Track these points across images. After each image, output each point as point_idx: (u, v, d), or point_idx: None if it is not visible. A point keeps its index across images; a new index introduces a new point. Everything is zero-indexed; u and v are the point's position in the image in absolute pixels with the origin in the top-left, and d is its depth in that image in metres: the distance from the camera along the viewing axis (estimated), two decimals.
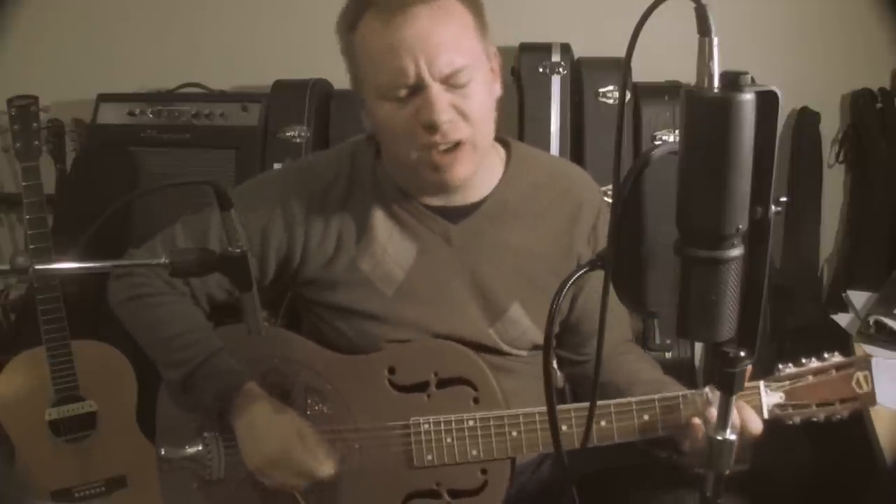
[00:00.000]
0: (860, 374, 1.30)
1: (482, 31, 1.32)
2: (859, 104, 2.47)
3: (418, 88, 1.25)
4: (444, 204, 1.41)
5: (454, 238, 1.41)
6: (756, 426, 1.25)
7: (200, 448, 1.41)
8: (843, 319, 2.04)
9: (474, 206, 1.41)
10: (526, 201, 1.43)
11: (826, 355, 1.32)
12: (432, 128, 1.26)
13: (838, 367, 1.31)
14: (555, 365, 1.60)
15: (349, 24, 1.30)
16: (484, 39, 1.32)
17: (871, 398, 1.31)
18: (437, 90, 1.25)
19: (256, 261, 1.42)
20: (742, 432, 1.24)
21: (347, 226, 1.41)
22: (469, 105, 1.27)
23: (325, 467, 1.35)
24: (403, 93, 1.26)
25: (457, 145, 1.29)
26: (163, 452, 1.41)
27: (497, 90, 1.37)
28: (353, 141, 1.48)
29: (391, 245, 1.41)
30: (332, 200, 1.42)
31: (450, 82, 1.25)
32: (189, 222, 1.46)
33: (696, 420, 1.25)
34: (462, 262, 1.41)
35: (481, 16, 1.32)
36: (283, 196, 1.42)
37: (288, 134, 2.38)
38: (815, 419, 1.30)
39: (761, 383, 1.30)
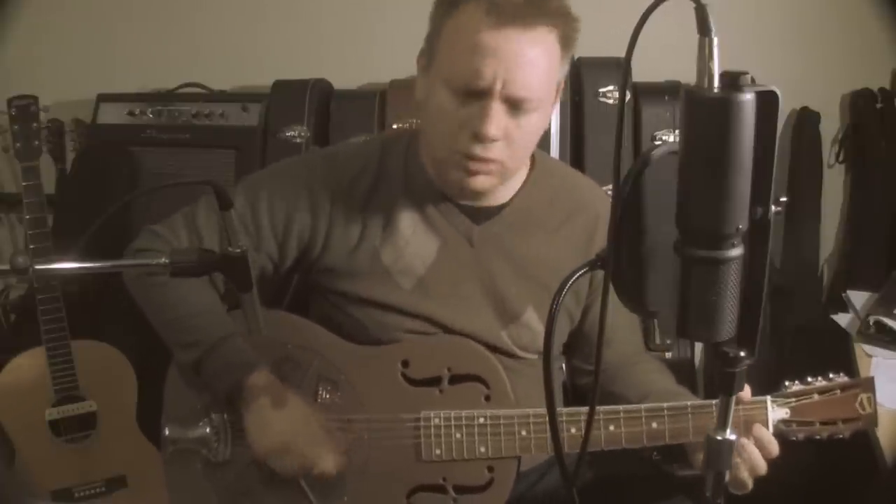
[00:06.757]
0: (864, 396, 1.33)
1: (564, 64, 1.30)
2: (859, 104, 2.47)
3: (483, 96, 1.25)
4: (471, 203, 1.41)
5: (476, 239, 1.41)
6: (774, 449, 1.29)
7: (207, 430, 1.40)
8: (843, 319, 2.04)
9: (497, 210, 1.42)
10: (544, 211, 1.44)
11: (832, 375, 1.35)
12: (478, 138, 1.26)
13: (843, 387, 1.33)
14: (562, 366, 1.60)
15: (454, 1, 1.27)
16: (561, 72, 1.31)
17: (873, 420, 1.34)
18: (497, 106, 1.24)
19: (277, 245, 1.42)
20: (761, 456, 1.27)
21: (372, 217, 1.41)
22: (518, 134, 1.28)
23: (331, 459, 1.35)
24: (467, 93, 1.25)
25: (489, 161, 1.29)
26: (167, 432, 1.40)
27: (548, 121, 1.35)
28: (383, 134, 1.48)
29: (414, 238, 1.41)
30: (359, 191, 1.42)
31: (514, 105, 1.25)
32: (212, 203, 1.44)
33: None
34: (481, 262, 1.41)
35: (569, 49, 1.30)
36: (309, 182, 1.42)
37: (288, 134, 2.38)
38: (817, 437, 1.33)
39: (768, 398, 1.32)
